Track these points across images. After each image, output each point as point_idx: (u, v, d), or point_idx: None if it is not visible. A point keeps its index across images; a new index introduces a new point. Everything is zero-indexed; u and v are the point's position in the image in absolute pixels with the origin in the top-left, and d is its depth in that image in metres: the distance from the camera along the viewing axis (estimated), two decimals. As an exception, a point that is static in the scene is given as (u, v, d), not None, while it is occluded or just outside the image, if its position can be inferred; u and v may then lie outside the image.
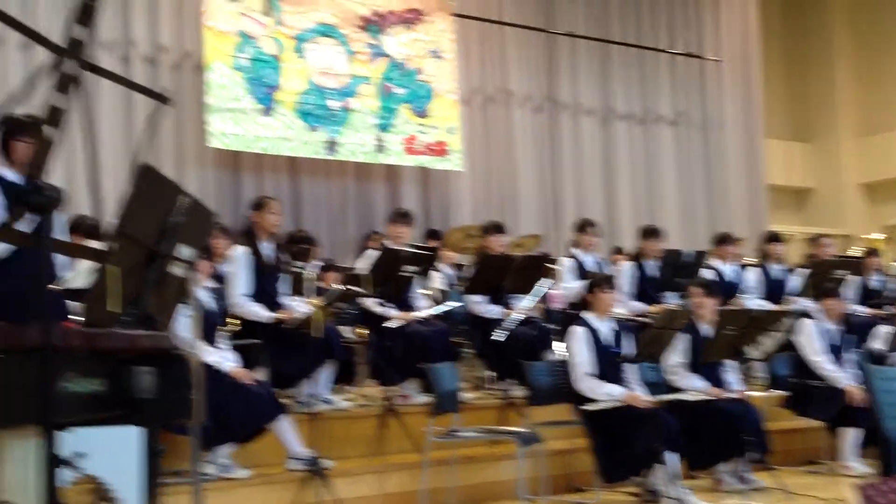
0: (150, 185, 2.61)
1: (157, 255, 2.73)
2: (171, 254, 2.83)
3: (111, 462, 2.39)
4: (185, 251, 2.97)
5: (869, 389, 4.75)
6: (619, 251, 9.97)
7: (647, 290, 7.71)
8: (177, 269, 2.98)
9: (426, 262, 6.85)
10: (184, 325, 4.49)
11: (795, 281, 8.22)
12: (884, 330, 7.03)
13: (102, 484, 2.39)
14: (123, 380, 2.32)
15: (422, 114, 10.55)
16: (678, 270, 7.72)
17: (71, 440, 2.19)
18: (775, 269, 8.36)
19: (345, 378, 6.94)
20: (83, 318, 3.90)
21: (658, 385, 6.28)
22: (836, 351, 6.89)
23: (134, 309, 2.78)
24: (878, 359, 6.78)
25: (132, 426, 2.45)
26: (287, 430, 5.25)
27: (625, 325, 6.53)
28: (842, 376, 6.72)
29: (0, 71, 8.50)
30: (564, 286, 7.54)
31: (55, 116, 1.49)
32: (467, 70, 11.27)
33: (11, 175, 4.13)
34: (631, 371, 6.05)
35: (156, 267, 2.76)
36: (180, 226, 2.80)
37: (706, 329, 6.24)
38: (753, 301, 7.92)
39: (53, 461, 1.53)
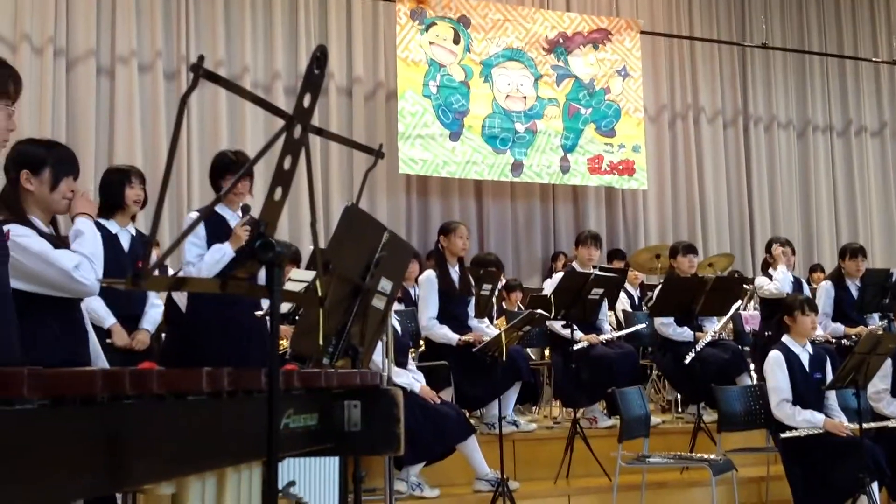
0: (356, 225, 2.77)
1: (362, 289, 2.90)
2: (374, 288, 3.00)
3: (315, 486, 2.56)
4: (385, 285, 3.14)
5: None
6: (816, 269, 9.54)
7: (848, 311, 7.34)
8: (378, 302, 3.16)
9: (614, 286, 6.81)
10: (377, 349, 4.70)
11: None
12: None
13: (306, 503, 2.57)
14: (335, 414, 2.47)
15: (608, 133, 10.52)
16: (883, 291, 7.31)
17: (283, 469, 2.37)
18: None
19: (529, 399, 7.02)
20: (291, 350, 4.18)
21: (862, 412, 5.98)
22: None
23: (338, 341, 2.97)
24: None
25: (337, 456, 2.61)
26: (475, 451, 5.38)
27: (825, 349, 6.26)
28: None
29: (211, 111, 9.17)
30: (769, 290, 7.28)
31: (284, 178, 1.65)
32: (655, 87, 11.15)
33: (225, 210, 4.49)
34: (832, 398, 5.80)
35: (360, 300, 2.93)
36: (383, 261, 2.96)
37: (914, 354, 5.89)
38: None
39: (273, 492, 1.69)
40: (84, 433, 1.41)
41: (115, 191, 4.37)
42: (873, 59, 12.28)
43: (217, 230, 4.40)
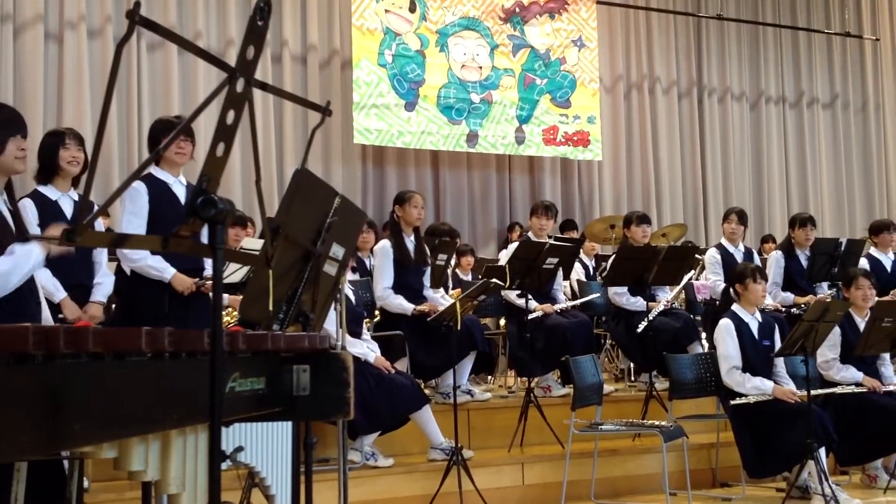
0: (307, 189, 2.73)
1: (313, 254, 2.85)
2: (325, 253, 2.96)
3: (265, 453, 2.54)
4: (337, 250, 3.10)
5: None
6: (768, 240, 9.67)
7: (797, 280, 7.45)
8: (329, 268, 3.12)
9: (568, 255, 6.84)
10: (330, 319, 4.67)
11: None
12: None
13: (257, 472, 2.55)
14: (282, 378, 2.44)
15: (563, 104, 10.53)
16: (832, 260, 7.42)
17: (231, 434, 2.35)
18: (938, 259, 7.91)
19: (484, 369, 7.04)
20: (240, 315, 4.13)
21: (810, 379, 6.09)
22: None
23: (289, 306, 2.93)
24: None
25: (287, 421, 2.59)
26: (429, 421, 5.39)
27: (775, 318, 6.35)
28: None
29: (162, 75, 9.02)
30: (715, 275, 7.37)
31: (226, 132, 1.61)
32: (611, 58, 11.17)
33: (162, 174, 4.40)
34: (780, 365, 5.89)
35: (311, 266, 2.89)
36: (334, 226, 2.92)
37: (861, 321, 6.00)
38: (913, 292, 7.52)
39: (218, 456, 1.66)
40: (19, 392, 1.38)
41: (49, 153, 4.25)
42: (825, 31, 12.40)
43: (160, 198, 4.32)
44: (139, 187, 4.30)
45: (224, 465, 2.36)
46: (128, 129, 8.76)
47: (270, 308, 2.78)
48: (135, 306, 4.42)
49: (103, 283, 4.45)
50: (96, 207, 1.81)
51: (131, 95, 8.81)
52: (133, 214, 4.28)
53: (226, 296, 4.91)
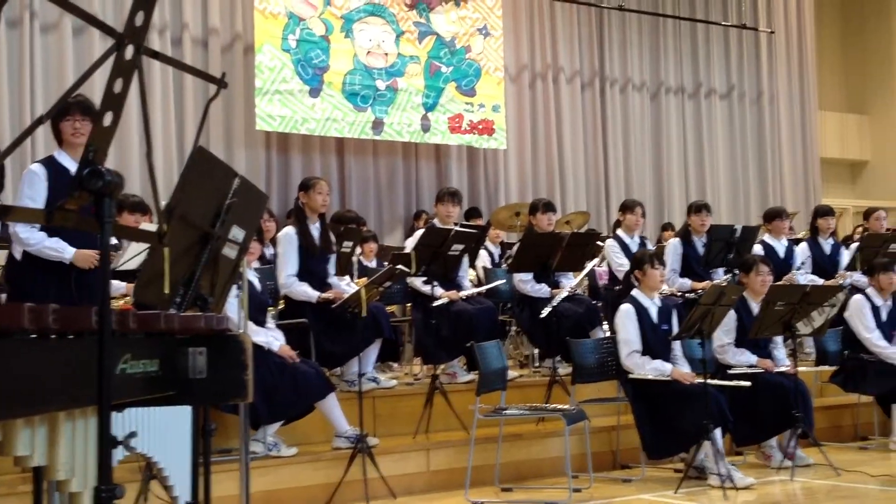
0: (204, 168, 2.66)
1: (211, 236, 2.78)
2: (224, 236, 2.89)
3: (162, 441, 2.46)
4: (237, 233, 3.03)
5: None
6: (667, 227, 9.89)
7: (694, 266, 7.64)
8: (229, 251, 3.05)
9: (474, 241, 6.87)
10: (233, 306, 4.59)
11: (847, 256, 8.09)
12: (938, 305, 6.89)
13: (153, 462, 2.47)
14: (177, 361, 2.38)
15: (468, 92, 10.57)
16: (727, 247, 7.63)
17: (125, 420, 2.27)
18: (826, 244, 8.23)
19: (390, 356, 7.02)
20: (135, 299, 4.02)
21: (706, 362, 6.26)
22: (887, 327, 6.79)
23: (186, 290, 2.85)
24: (931, 335, 6.66)
25: (184, 406, 2.52)
26: (333, 409, 5.35)
27: (672, 302, 6.50)
28: (894, 352, 6.62)
29: (56, 57, 8.71)
30: (616, 263, 7.51)
31: (114, 101, 1.54)
32: (516, 47, 11.25)
33: (64, 158, 4.25)
34: (677, 348, 6.04)
35: (209, 248, 2.82)
36: (233, 208, 2.85)
37: (756, 305, 6.19)
38: (804, 276, 7.81)
39: (108, 441, 1.60)
40: None
41: None
42: (723, 24, 12.74)
43: (59, 183, 4.17)
44: (38, 170, 4.16)
45: (120, 455, 2.29)
46: (20, 112, 8.42)
47: (166, 291, 2.70)
48: (27, 294, 4.25)
49: None
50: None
51: (23, 77, 8.48)
52: (30, 199, 4.13)
53: (125, 284, 4.77)
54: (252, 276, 5.41)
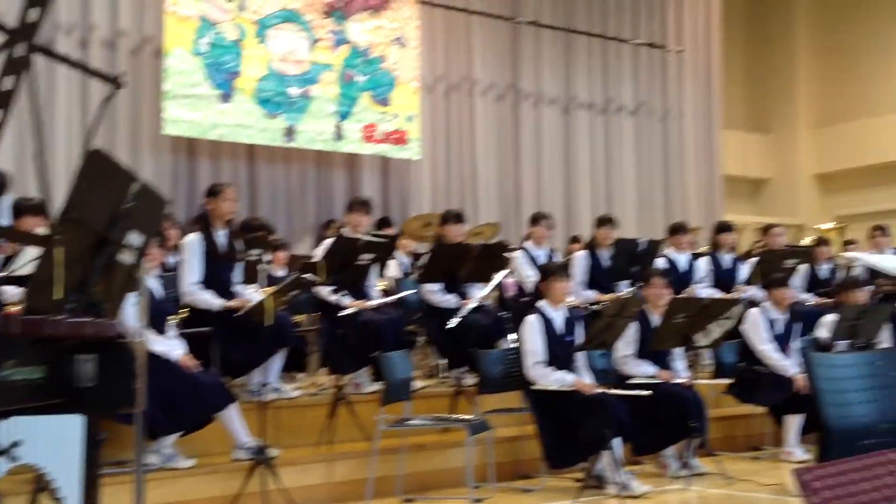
0: (100, 170, 2.60)
1: (107, 241, 2.72)
2: (120, 240, 2.83)
3: (51, 451, 2.40)
4: (134, 238, 2.97)
5: (810, 377, 4.87)
6: (575, 240, 10.06)
7: (600, 279, 7.79)
8: (126, 256, 2.99)
9: (383, 251, 6.87)
10: (132, 314, 4.50)
11: (745, 270, 8.35)
12: (829, 319, 7.16)
13: (42, 473, 2.40)
14: (65, 368, 2.33)
15: (383, 102, 10.57)
16: (631, 259, 7.80)
17: (9, 428, 2.21)
18: (726, 259, 8.48)
19: (296, 366, 6.97)
20: (25, 305, 3.90)
21: (608, 372, 6.39)
22: (782, 339, 7.03)
23: (79, 296, 2.78)
24: (823, 347, 6.91)
25: (74, 414, 2.46)
26: (234, 420, 5.28)
27: (578, 314, 6.62)
28: (787, 364, 6.86)
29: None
30: (524, 275, 7.62)
31: (3, 99, 1.50)
32: (431, 58, 11.29)
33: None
34: (581, 359, 6.15)
35: (104, 253, 2.75)
36: (131, 212, 2.80)
37: (656, 318, 6.34)
38: (704, 290, 8.03)
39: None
40: None
41: None
42: (633, 41, 13.01)
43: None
44: None
45: (4, 465, 2.22)
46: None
47: (58, 296, 2.64)
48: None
49: None
50: None
51: None
52: None
53: (18, 289, 4.64)
54: (153, 284, 5.32)
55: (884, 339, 7.15)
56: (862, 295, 7.75)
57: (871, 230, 9.63)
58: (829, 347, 6.99)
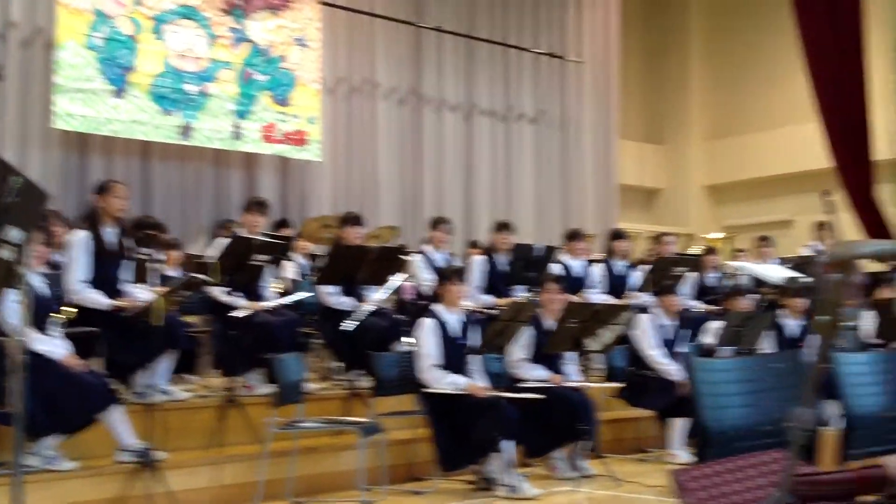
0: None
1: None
2: (1, 236, 2.75)
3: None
4: (13, 233, 2.88)
5: (691, 381, 5.03)
6: (473, 245, 10.14)
7: (497, 283, 7.88)
8: (4, 252, 2.89)
9: (278, 252, 6.81)
10: (13, 311, 4.36)
11: (637, 277, 8.57)
12: (714, 325, 7.41)
13: None
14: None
15: (283, 102, 10.47)
16: (528, 265, 7.91)
17: None
18: (619, 265, 8.68)
19: (187, 368, 6.84)
20: None
21: (501, 376, 6.47)
22: (670, 345, 7.24)
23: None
24: (708, 353, 7.14)
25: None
26: (118, 421, 5.14)
27: (474, 318, 6.68)
28: (673, 369, 7.06)
29: None
30: (422, 278, 7.65)
31: None
32: (333, 59, 11.24)
33: None
34: (475, 362, 6.20)
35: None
36: (10, 207, 2.72)
37: (550, 322, 6.45)
38: (597, 295, 8.21)
39: None
40: None
41: None
42: (534, 51, 13.20)
43: None
44: None
45: None
46: None
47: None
48: None
49: None
50: None
51: None
52: None
53: None
54: (37, 281, 5.16)
55: (765, 346, 7.41)
56: (746, 303, 8.05)
57: (756, 240, 10.01)
58: (714, 353, 7.23)
